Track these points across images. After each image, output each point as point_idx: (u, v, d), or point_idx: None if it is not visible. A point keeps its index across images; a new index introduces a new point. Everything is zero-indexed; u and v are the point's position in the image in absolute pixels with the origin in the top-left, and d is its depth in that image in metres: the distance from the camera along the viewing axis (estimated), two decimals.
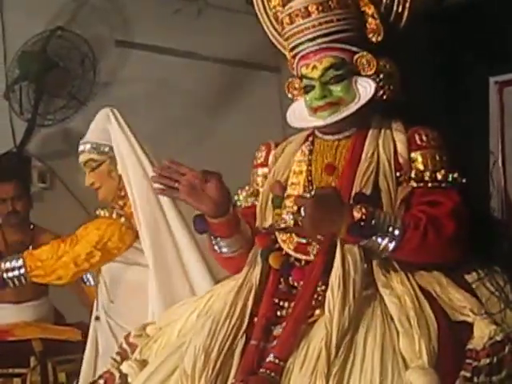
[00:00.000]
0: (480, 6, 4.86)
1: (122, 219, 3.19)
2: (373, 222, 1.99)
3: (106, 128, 3.28)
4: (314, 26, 2.17)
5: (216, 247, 2.21)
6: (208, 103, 5.47)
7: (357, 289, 1.97)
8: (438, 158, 2.16)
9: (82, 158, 3.34)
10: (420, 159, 2.15)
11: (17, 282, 3.13)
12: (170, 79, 5.34)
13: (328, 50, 2.16)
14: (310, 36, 2.17)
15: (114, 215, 3.21)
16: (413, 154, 2.16)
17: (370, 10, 2.24)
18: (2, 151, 4.94)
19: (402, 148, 2.16)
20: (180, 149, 5.15)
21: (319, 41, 2.17)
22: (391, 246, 2.00)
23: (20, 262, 3.12)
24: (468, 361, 1.89)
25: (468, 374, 1.87)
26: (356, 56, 2.18)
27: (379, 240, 2.00)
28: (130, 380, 2.17)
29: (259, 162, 2.38)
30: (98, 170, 3.31)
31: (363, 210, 1.98)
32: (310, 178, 2.20)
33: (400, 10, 2.28)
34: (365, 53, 2.18)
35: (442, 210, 2.05)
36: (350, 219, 1.98)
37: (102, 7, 5.24)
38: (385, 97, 2.20)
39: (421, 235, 2.00)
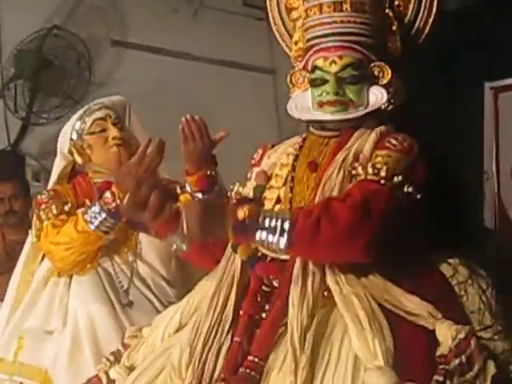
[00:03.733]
0: (475, 12, 4.88)
1: None
2: (259, 219, 1.91)
3: (121, 113, 3.05)
4: (342, 22, 2.18)
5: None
6: (203, 104, 5.46)
7: (316, 282, 1.97)
8: (393, 159, 2.07)
9: (113, 114, 2.97)
10: (374, 157, 2.08)
11: None
12: (165, 80, 5.34)
13: (350, 49, 2.17)
14: (337, 30, 2.18)
15: None
16: (374, 152, 2.10)
17: (394, 26, 2.26)
18: None
19: (367, 148, 2.12)
20: (175, 149, 5.16)
21: (345, 38, 2.17)
22: (282, 240, 1.89)
23: None
24: (440, 366, 1.88)
25: (440, 378, 1.86)
26: (372, 64, 2.19)
27: (270, 237, 1.90)
28: None
29: (254, 162, 2.39)
30: (122, 126, 2.97)
31: (246, 209, 1.90)
32: (293, 173, 2.19)
33: (421, 26, 2.31)
34: (382, 63, 2.19)
35: (344, 199, 1.95)
36: (233, 220, 1.90)
37: (98, 6, 5.23)
38: (388, 109, 2.21)
39: (312, 225, 1.89)
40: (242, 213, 1.90)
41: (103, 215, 2.68)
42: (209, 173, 2.52)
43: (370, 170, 2.04)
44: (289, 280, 2.02)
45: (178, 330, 2.21)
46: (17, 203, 4.31)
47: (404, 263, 2.01)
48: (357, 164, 2.08)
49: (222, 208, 1.93)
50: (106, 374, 2.24)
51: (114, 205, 2.66)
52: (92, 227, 2.70)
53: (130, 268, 2.85)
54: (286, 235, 1.89)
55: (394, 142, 2.11)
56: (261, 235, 1.90)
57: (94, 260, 2.80)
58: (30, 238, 3.03)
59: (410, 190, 2.03)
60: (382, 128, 2.18)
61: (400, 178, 2.02)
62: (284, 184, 2.18)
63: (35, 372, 2.81)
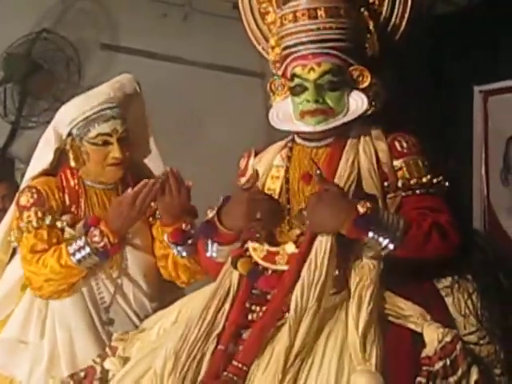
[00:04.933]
0: (466, 16, 4.89)
1: None
2: (378, 218, 1.99)
3: (132, 94, 2.92)
4: (318, 29, 2.18)
5: (213, 253, 2.25)
6: (193, 108, 5.46)
7: (326, 295, 1.99)
8: (420, 164, 2.17)
9: (120, 127, 2.77)
10: (404, 167, 2.16)
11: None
12: (155, 84, 5.32)
13: (327, 55, 2.17)
14: (314, 38, 2.18)
15: None
16: (396, 162, 2.17)
17: (369, 25, 2.26)
18: None
19: (384, 157, 2.17)
20: (165, 154, 5.13)
21: (322, 45, 2.17)
22: (392, 246, 1.99)
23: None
24: (424, 368, 1.90)
25: (423, 380, 1.88)
26: (351, 68, 2.19)
27: (380, 239, 1.99)
28: (110, 375, 2.22)
29: (240, 170, 2.41)
30: (128, 141, 2.78)
31: (368, 205, 1.98)
32: (287, 185, 2.20)
33: (397, 22, 2.31)
34: (360, 67, 2.19)
35: (444, 218, 2.06)
36: (355, 214, 1.97)
37: (88, 10, 5.23)
38: (369, 112, 2.22)
39: (424, 234, 2.01)
40: (362, 209, 1.97)
41: (87, 250, 2.59)
42: (184, 226, 2.57)
43: (413, 183, 2.14)
44: (284, 289, 2.04)
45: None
46: (9, 203, 4.29)
47: (396, 267, 2.05)
48: (390, 180, 2.15)
49: (342, 201, 2.00)
50: (101, 364, 2.26)
51: (101, 244, 2.58)
52: (74, 260, 2.59)
53: (114, 284, 2.74)
54: (396, 241, 1.98)
55: (405, 145, 2.18)
56: (373, 235, 1.98)
57: (73, 288, 2.69)
58: (6, 224, 2.92)
59: (447, 183, 2.16)
60: (379, 132, 2.20)
61: (440, 178, 2.15)
62: (279, 197, 2.20)
63: (3, 381, 2.73)
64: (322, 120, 2.16)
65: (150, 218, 2.81)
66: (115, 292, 2.73)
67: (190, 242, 2.56)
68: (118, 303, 2.74)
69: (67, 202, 2.78)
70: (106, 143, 2.75)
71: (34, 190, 2.78)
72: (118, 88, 2.88)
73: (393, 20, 2.32)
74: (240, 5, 2.43)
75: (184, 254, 2.61)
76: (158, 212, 2.76)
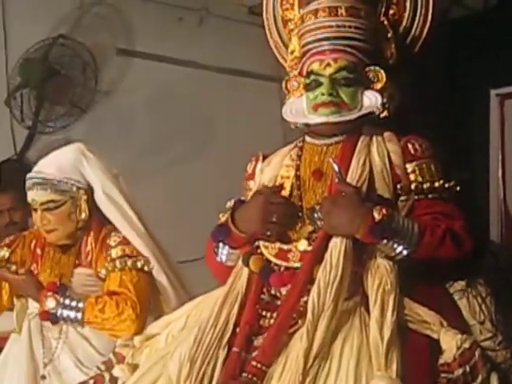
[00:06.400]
0: (482, 19, 4.88)
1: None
2: (393, 225, 1.99)
3: (75, 164, 2.94)
4: (338, 26, 2.20)
5: (223, 257, 2.25)
6: (209, 112, 5.48)
7: (341, 299, 1.99)
8: (433, 168, 2.17)
9: (39, 198, 2.91)
10: (417, 171, 2.16)
11: (69, 322, 2.79)
12: (171, 88, 5.35)
13: (344, 52, 2.19)
14: (333, 34, 2.20)
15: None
16: (408, 165, 2.17)
17: (389, 33, 2.28)
18: (3, 158, 4.94)
19: (396, 159, 2.17)
20: (180, 158, 5.15)
21: (340, 42, 2.19)
22: (405, 252, 2.00)
23: (80, 305, 2.76)
24: (443, 375, 1.90)
25: None
26: (367, 68, 2.19)
27: (395, 246, 2.00)
28: (120, 383, 2.21)
29: (248, 174, 2.40)
30: (57, 211, 2.91)
31: (383, 211, 1.98)
32: (298, 182, 2.20)
33: (417, 34, 2.32)
34: (377, 68, 2.20)
35: (458, 224, 2.06)
36: (371, 220, 1.98)
37: (104, 15, 5.25)
38: (382, 115, 2.22)
39: (437, 241, 2.01)
40: (378, 215, 1.98)
41: None
42: (46, 307, 2.78)
43: (426, 187, 2.14)
44: (297, 289, 2.04)
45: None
46: (16, 214, 4.28)
47: (411, 272, 2.05)
48: (402, 183, 2.14)
49: (358, 205, 2.01)
50: (110, 371, 2.26)
51: None
52: None
53: (58, 338, 2.86)
54: (410, 248, 2.00)
55: (418, 148, 2.18)
56: (388, 243, 2.00)
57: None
58: None
59: (458, 188, 2.16)
60: (392, 134, 2.21)
61: (452, 182, 2.15)
62: (290, 195, 2.19)
63: None
64: (335, 112, 2.17)
65: (101, 275, 2.89)
66: (58, 344, 2.84)
67: (65, 317, 2.78)
68: (65, 354, 2.84)
69: (29, 260, 3.04)
70: (35, 210, 2.93)
71: (21, 233, 3.16)
72: (54, 158, 3.01)
73: (412, 32, 2.34)
74: (264, 14, 2.47)
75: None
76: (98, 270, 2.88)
